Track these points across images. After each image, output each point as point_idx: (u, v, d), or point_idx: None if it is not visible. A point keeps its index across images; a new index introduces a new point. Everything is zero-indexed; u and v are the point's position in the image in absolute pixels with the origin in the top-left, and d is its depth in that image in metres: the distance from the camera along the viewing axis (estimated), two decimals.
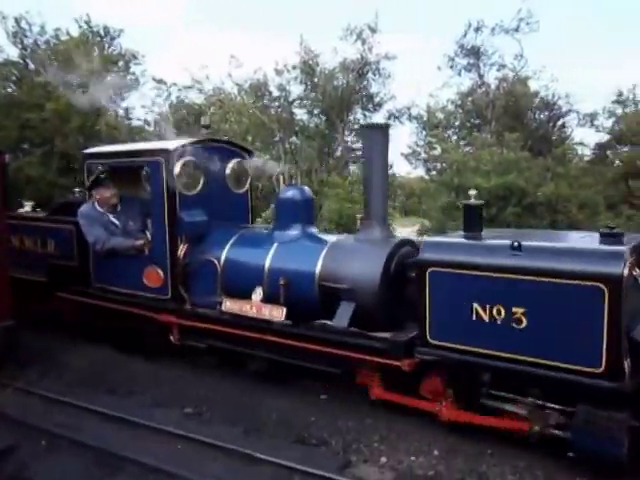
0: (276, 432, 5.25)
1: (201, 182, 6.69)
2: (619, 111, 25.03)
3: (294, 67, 23.71)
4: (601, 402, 4.07)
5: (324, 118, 25.31)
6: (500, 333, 4.35)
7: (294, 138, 25.22)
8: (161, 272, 6.59)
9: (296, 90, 24.39)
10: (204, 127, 6.96)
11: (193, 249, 6.53)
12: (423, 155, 27.87)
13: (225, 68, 29.30)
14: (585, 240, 4.52)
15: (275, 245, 6.05)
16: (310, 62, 23.66)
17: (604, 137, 25.80)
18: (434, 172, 26.10)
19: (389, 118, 26.62)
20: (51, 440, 5.26)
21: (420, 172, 29.19)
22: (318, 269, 5.62)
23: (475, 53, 25.10)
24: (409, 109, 26.59)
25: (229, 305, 6.06)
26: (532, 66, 24.35)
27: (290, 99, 24.94)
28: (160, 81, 24.76)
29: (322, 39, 33.96)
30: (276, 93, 24.74)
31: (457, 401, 4.84)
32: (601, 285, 3.94)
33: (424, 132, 27.11)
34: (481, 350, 4.47)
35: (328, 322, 5.45)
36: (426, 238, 4.98)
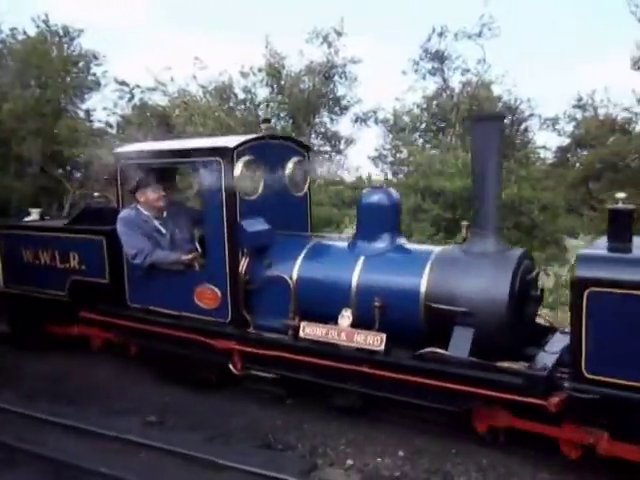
0: (241, 438, 5.06)
1: (261, 185, 5.70)
2: (579, 115, 25.41)
3: (260, 70, 22.81)
4: None
5: (291, 121, 24.49)
6: None
7: None
8: (218, 291, 5.55)
9: (262, 93, 23.48)
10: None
11: (255, 264, 5.55)
12: (390, 158, 27.38)
13: (189, 70, 28.00)
14: None
15: (362, 259, 5.13)
16: (276, 65, 22.81)
17: (565, 141, 26.14)
18: (400, 175, 25.66)
19: (356, 121, 26.12)
20: (6, 454, 4.86)
21: (387, 175, 28.75)
22: (423, 288, 4.74)
23: (439, 57, 24.86)
24: (375, 112, 26.10)
25: (309, 330, 5.09)
26: (495, 71, 24.31)
27: (256, 102, 23.99)
28: (122, 83, 23.22)
29: (288, 41, 32.95)
30: (242, 96, 23.76)
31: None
32: None
33: (390, 135, 26.61)
34: None
35: (439, 350, 4.60)
36: (582, 251, 4.13)
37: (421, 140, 25.68)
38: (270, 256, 5.52)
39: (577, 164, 25.59)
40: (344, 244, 5.49)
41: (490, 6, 22.91)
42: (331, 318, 5.05)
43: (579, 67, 39.49)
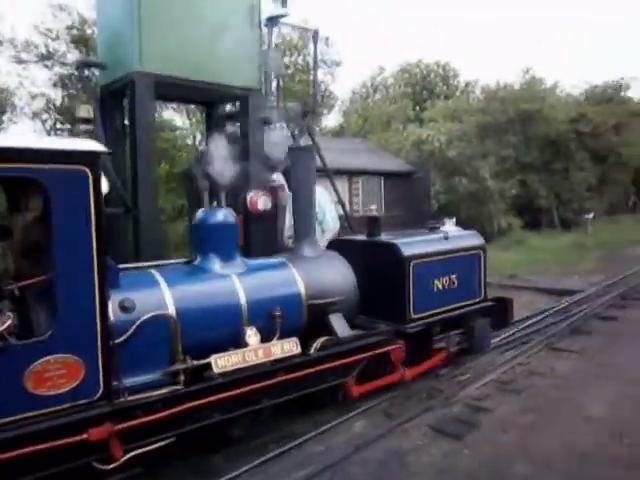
0: None
1: None
2: None
3: None
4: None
5: None
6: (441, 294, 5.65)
7: None
8: (79, 360, 3.37)
9: None
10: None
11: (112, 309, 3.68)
12: None
13: None
14: (454, 228, 6.29)
15: (235, 278, 4.48)
16: None
17: None
18: None
19: None
20: None
21: None
22: (303, 291, 4.78)
23: None
24: None
25: (223, 362, 4.05)
26: None
27: None
28: None
29: None
30: None
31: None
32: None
33: None
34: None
35: (330, 337, 4.85)
36: (404, 241, 5.36)
37: None
38: (122, 291, 3.83)
39: None
40: (189, 268, 4.51)
41: None
42: (222, 345, 4.23)
43: None
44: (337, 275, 5.23)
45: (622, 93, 32.41)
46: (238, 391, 4.10)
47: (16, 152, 3.21)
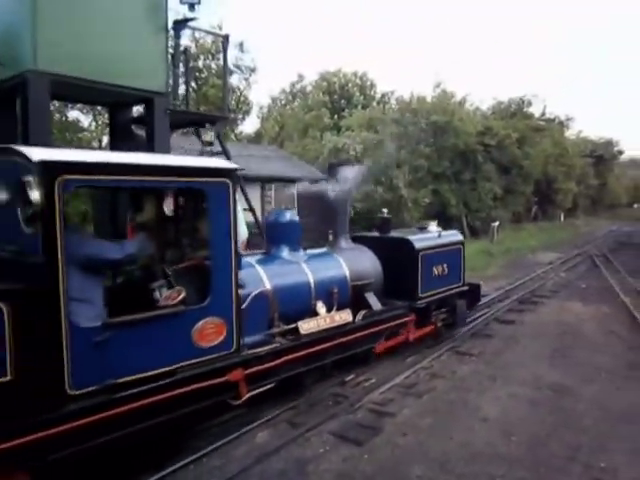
0: None
1: None
2: None
3: None
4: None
5: None
6: (436, 279, 7.16)
7: None
8: (223, 321, 4.47)
9: None
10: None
11: None
12: None
13: None
14: (437, 228, 7.73)
15: (303, 264, 5.76)
16: None
17: None
18: None
19: None
20: None
21: None
22: (348, 274, 6.08)
23: None
24: None
25: (307, 326, 5.29)
26: None
27: None
28: None
29: None
30: None
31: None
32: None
33: None
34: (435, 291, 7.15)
35: (367, 310, 6.18)
36: (414, 237, 6.81)
37: None
38: None
39: None
40: (269, 257, 5.73)
41: None
42: (300, 314, 5.46)
43: None
44: (369, 263, 6.59)
45: (525, 109, 36.03)
46: (315, 349, 5.38)
47: (190, 170, 4.34)
